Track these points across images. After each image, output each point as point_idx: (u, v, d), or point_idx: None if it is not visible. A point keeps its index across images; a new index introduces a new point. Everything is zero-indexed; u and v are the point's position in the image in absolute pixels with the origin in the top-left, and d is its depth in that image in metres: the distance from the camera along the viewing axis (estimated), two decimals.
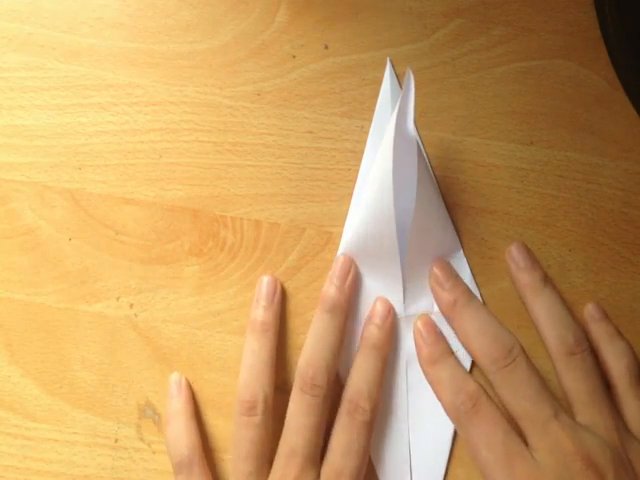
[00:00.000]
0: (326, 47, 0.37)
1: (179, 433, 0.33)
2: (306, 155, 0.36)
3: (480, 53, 0.36)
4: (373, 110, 0.36)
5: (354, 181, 0.36)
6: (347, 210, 0.36)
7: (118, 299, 0.35)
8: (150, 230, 0.36)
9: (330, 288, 0.34)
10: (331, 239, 0.36)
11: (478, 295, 0.35)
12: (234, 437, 0.32)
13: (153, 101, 0.36)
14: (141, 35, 0.37)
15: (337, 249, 0.35)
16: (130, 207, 0.36)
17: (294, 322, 0.35)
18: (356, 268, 0.34)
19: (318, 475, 0.32)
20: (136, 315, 0.35)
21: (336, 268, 0.34)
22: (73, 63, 0.37)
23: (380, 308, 0.34)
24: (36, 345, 0.35)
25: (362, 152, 0.36)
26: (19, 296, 0.36)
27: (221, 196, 0.36)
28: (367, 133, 0.36)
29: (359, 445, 0.32)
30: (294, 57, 0.37)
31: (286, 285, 0.35)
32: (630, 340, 0.34)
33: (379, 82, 0.36)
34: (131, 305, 0.35)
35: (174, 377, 0.34)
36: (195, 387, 0.35)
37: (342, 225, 0.36)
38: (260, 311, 0.34)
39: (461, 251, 0.35)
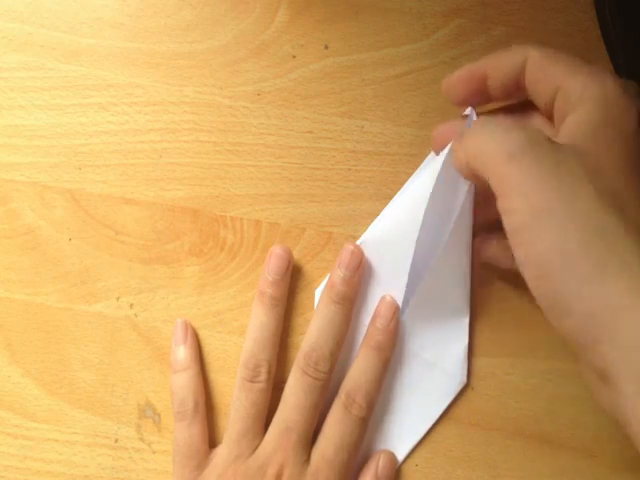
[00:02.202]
0: (326, 47, 0.37)
1: (186, 383, 0.33)
2: (306, 155, 0.36)
3: (480, 53, 0.36)
4: (373, 110, 0.36)
5: (354, 181, 0.36)
6: (347, 210, 0.36)
7: (118, 299, 0.35)
8: (150, 230, 0.36)
9: (339, 279, 0.33)
10: (331, 239, 0.36)
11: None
12: (234, 400, 0.33)
13: (153, 101, 0.36)
14: (141, 35, 0.37)
15: (337, 249, 0.35)
16: (130, 207, 0.36)
17: (295, 322, 0.35)
18: (365, 258, 0.34)
19: (308, 456, 0.32)
20: (136, 315, 0.35)
21: (346, 257, 0.34)
22: (73, 63, 0.37)
23: (385, 309, 0.34)
24: (36, 345, 0.35)
25: (362, 152, 0.36)
26: (19, 296, 0.36)
27: (221, 196, 0.36)
28: (367, 133, 0.36)
29: (352, 440, 0.32)
30: (294, 57, 0.37)
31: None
32: None
33: (379, 82, 0.36)
34: (131, 305, 0.35)
35: (179, 322, 0.35)
36: None
37: (342, 225, 0.36)
38: (271, 285, 0.34)
39: (467, 319, 0.34)
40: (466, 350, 0.34)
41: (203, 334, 0.35)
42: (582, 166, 0.25)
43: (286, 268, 0.34)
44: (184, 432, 0.33)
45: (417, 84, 0.36)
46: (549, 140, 0.26)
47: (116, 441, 0.35)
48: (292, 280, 0.35)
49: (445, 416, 0.34)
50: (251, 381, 0.33)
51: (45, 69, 0.36)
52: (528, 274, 0.25)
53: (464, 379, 0.34)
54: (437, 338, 0.34)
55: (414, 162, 0.36)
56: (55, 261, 0.36)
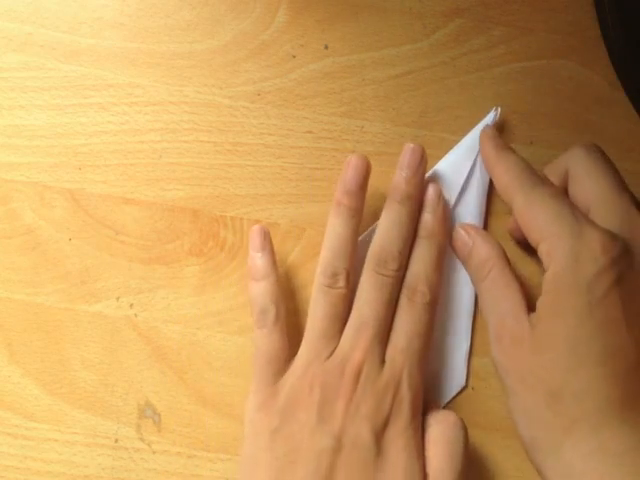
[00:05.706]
0: (326, 47, 0.37)
1: (267, 291, 0.33)
2: (306, 155, 0.36)
3: (480, 53, 0.36)
4: (373, 110, 0.36)
5: None
6: None
7: (118, 299, 0.35)
8: (150, 230, 0.36)
9: (401, 178, 0.33)
10: None
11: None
12: (312, 303, 0.33)
13: (153, 101, 0.36)
14: (141, 35, 0.37)
15: None
16: (130, 207, 0.36)
17: (294, 321, 0.35)
18: (426, 157, 0.34)
19: (384, 354, 0.32)
20: (136, 315, 0.35)
21: (406, 156, 0.34)
22: (73, 63, 0.37)
23: (431, 196, 0.34)
24: (36, 345, 0.35)
25: (362, 152, 0.36)
26: (19, 296, 0.36)
27: (221, 196, 0.36)
28: (367, 133, 0.36)
29: (421, 326, 0.32)
30: (294, 57, 0.37)
31: (286, 285, 0.35)
32: None
33: (379, 82, 0.36)
34: (131, 305, 0.35)
35: (257, 228, 0.34)
36: (195, 387, 0.35)
37: None
38: (350, 196, 0.33)
39: (469, 321, 0.35)
40: (467, 353, 0.34)
41: (203, 334, 0.35)
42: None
43: (363, 178, 0.33)
44: (265, 339, 0.32)
45: (417, 84, 0.36)
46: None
47: (116, 441, 0.35)
48: (292, 280, 0.35)
49: None
50: (330, 287, 0.32)
51: (45, 69, 0.36)
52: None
53: (463, 382, 0.34)
54: (438, 340, 0.34)
55: None
56: (55, 261, 0.36)
